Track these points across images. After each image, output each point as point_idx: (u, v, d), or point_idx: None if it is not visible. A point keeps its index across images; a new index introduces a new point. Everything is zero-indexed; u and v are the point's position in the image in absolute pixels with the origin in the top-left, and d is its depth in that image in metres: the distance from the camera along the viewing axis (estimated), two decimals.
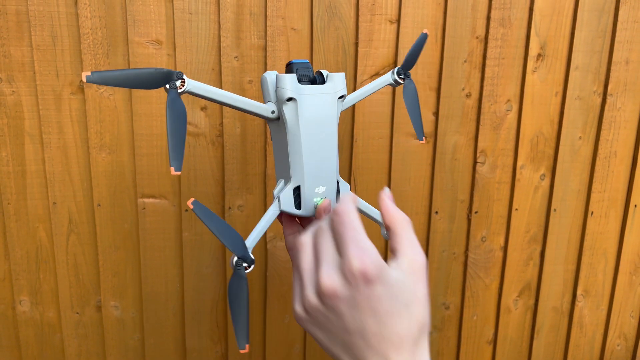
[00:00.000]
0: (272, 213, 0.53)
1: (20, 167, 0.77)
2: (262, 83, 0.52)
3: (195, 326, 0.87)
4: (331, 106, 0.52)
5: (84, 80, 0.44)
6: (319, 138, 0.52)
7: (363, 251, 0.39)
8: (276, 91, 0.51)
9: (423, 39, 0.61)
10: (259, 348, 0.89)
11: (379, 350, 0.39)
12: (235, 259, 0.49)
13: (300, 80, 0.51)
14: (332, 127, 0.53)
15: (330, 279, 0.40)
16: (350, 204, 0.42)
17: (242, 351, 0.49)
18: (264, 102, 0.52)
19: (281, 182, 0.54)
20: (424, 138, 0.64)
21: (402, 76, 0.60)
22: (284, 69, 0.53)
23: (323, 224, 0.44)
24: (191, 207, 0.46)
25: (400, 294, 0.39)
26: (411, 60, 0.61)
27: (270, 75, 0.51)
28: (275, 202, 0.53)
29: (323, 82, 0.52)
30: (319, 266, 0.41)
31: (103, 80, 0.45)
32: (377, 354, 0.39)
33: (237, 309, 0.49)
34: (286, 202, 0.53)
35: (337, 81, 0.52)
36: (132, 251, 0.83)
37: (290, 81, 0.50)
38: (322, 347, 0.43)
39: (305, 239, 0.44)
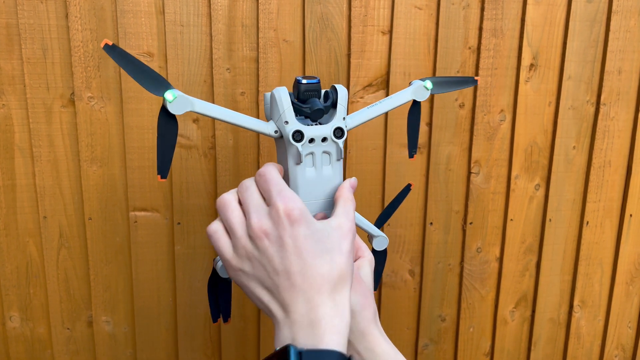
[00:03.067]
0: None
1: (10, 181, 0.76)
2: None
3: (188, 340, 0.86)
4: None
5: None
6: None
7: (288, 198, 0.44)
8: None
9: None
10: None
11: (302, 288, 0.42)
12: None
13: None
14: None
15: (260, 222, 0.44)
16: (271, 167, 0.47)
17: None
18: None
19: None
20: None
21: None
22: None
23: (246, 183, 0.48)
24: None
25: (324, 239, 0.44)
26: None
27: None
28: None
29: None
30: (248, 214, 0.45)
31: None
32: (299, 292, 0.42)
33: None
34: None
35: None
36: (123, 265, 0.82)
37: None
38: (250, 295, 0.46)
39: (229, 197, 0.47)
